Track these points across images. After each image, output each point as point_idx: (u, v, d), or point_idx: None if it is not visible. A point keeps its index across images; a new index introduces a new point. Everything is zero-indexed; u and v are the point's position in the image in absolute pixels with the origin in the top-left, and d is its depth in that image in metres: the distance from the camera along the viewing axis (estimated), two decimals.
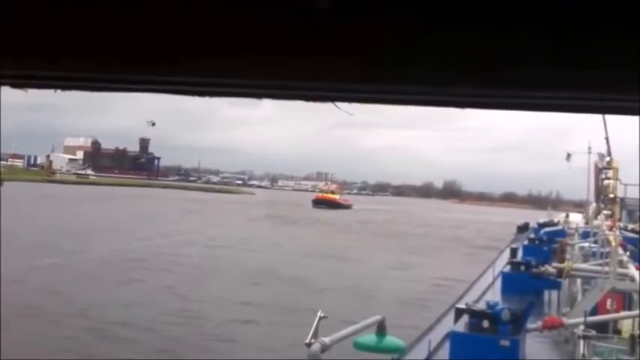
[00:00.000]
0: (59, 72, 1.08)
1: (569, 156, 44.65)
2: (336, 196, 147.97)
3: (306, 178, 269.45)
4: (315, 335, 8.50)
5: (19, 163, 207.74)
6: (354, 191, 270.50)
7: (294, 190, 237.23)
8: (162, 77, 1.06)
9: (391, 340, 9.49)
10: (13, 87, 1.16)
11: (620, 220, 41.03)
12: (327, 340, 8.42)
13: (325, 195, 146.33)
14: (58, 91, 1.17)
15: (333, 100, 1.11)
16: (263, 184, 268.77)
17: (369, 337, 9.47)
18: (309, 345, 8.42)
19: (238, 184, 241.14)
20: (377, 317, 9.59)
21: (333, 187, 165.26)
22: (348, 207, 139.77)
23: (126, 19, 0.98)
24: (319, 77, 1.00)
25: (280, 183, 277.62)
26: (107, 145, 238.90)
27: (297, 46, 0.95)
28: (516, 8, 0.87)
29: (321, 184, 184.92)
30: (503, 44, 0.90)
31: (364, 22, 0.92)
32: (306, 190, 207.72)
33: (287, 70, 0.99)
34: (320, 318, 8.74)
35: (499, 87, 0.96)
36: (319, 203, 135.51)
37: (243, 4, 0.95)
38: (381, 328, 9.42)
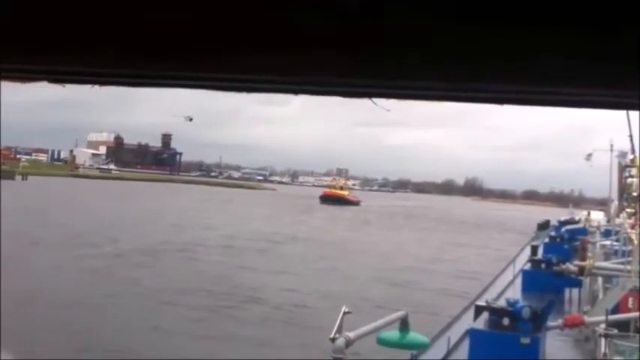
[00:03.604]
0: (96, 68, 1.10)
1: (589, 156, 44.15)
2: (345, 192, 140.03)
3: (327, 175, 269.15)
4: (340, 330, 8.65)
5: (42, 157, 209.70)
6: (375, 188, 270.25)
7: (314, 186, 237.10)
8: (199, 73, 1.08)
9: (414, 336, 9.61)
10: (50, 82, 1.18)
11: None
12: (351, 335, 8.59)
13: (333, 191, 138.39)
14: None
15: (370, 96, 1.11)
16: (284, 180, 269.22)
17: (393, 333, 9.59)
18: (333, 340, 8.59)
19: (259, 180, 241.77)
20: (400, 313, 9.71)
21: (342, 182, 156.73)
22: (356, 204, 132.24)
23: (162, 15, 1.00)
24: (357, 73, 1.01)
25: (301, 179, 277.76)
26: (130, 140, 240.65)
27: (335, 43, 0.97)
28: (527, 4, 0.90)
29: (330, 180, 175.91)
30: (518, 39, 0.92)
31: (399, 18, 0.94)
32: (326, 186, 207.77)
33: (324, 66, 1.00)
34: (344, 313, 8.89)
35: (511, 82, 0.98)
36: (327, 200, 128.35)
37: (288, 2, 0.97)
38: (404, 324, 9.54)
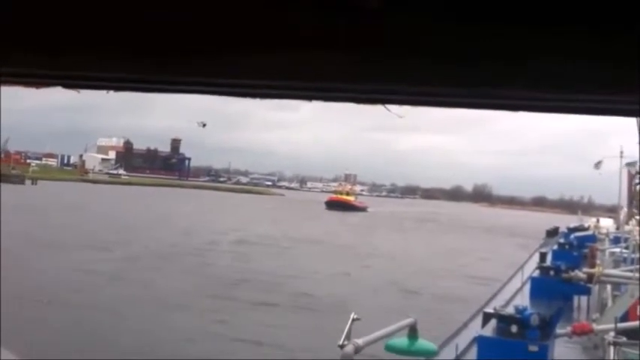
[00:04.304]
0: (109, 73, 1.10)
1: (598, 164, 43.94)
2: (351, 198, 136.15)
3: (335, 180, 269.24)
4: (349, 337, 8.70)
5: (52, 162, 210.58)
6: (383, 193, 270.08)
7: (323, 191, 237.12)
8: (209, 78, 1.07)
9: (422, 343, 9.65)
10: (65, 87, 1.19)
11: None
12: (360, 341, 8.63)
13: (339, 196, 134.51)
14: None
15: (383, 102, 1.10)
16: (292, 185, 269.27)
17: (401, 340, 9.64)
18: (342, 346, 8.64)
19: (268, 186, 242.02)
20: (409, 320, 9.76)
21: (348, 187, 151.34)
22: (362, 209, 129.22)
23: (168, 16, 0.99)
24: (369, 79, 0.99)
25: (309, 185, 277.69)
26: (139, 145, 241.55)
27: (347, 47, 0.95)
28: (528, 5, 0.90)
29: (336, 185, 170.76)
30: (518, 39, 0.91)
31: (413, 22, 0.93)
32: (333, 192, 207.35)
33: (337, 72, 0.99)
34: (353, 320, 8.94)
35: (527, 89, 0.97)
36: (332, 205, 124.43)
37: (290, 2, 0.96)
38: (412, 331, 9.58)
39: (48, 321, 24.65)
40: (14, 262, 32.65)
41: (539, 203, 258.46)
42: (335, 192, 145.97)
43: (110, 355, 21.66)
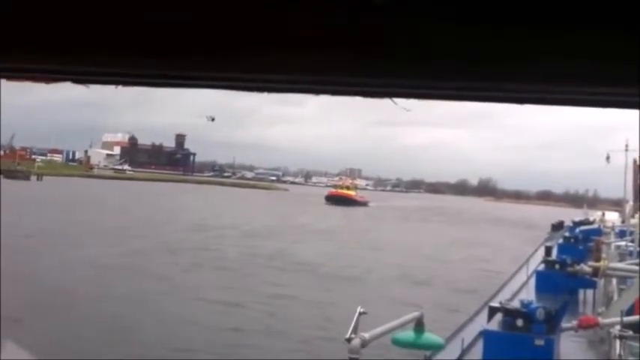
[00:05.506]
0: (117, 69, 1.12)
1: (608, 157, 43.79)
2: (352, 192, 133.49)
3: (339, 175, 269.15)
4: (355, 331, 8.73)
5: (58, 158, 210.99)
6: (388, 188, 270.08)
7: (327, 186, 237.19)
8: (216, 73, 1.10)
9: (429, 336, 9.67)
10: (75, 82, 1.22)
11: None
12: (366, 335, 8.66)
13: (339, 191, 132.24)
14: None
15: (390, 96, 1.12)
16: (297, 180, 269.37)
17: (408, 334, 9.66)
18: (349, 340, 8.66)
19: (272, 181, 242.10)
20: (415, 314, 9.77)
21: (349, 182, 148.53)
22: (363, 204, 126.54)
23: (176, 15, 1.02)
24: (376, 73, 1.02)
25: (314, 179, 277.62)
26: (144, 140, 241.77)
27: (354, 43, 0.98)
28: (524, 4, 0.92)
29: (337, 179, 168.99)
30: (518, 39, 0.93)
31: (414, 22, 0.95)
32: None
33: (344, 67, 1.01)
34: (360, 314, 8.96)
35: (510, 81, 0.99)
36: (332, 200, 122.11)
37: (291, 2, 0.98)
38: (419, 325, 9.60)
39: (65, 315, 24.80)
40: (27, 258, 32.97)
41: (545, 197, 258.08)
42: (335, 186, 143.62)
43: (125, 349, 21.79)
